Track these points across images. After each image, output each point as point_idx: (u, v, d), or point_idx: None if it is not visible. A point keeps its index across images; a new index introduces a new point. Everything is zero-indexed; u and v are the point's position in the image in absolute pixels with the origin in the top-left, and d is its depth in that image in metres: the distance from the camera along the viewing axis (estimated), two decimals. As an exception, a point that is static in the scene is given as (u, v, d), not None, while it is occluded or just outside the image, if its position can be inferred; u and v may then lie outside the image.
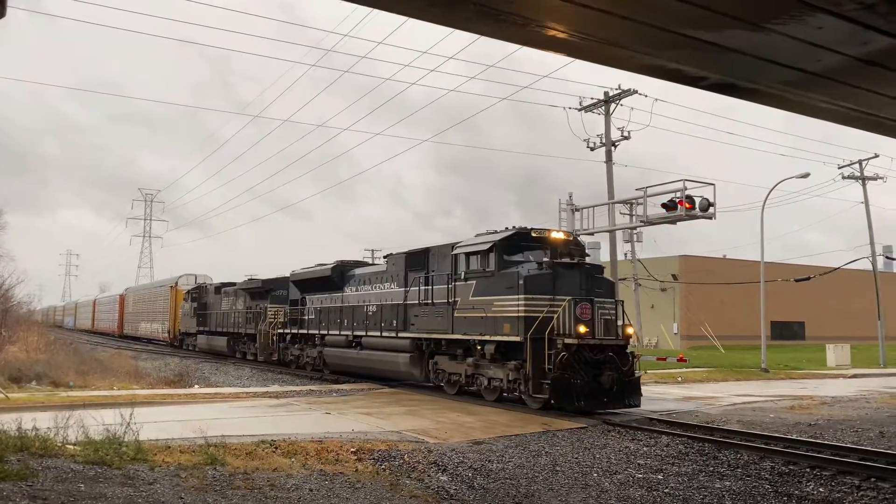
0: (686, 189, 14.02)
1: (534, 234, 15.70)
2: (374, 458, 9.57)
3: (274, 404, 16.03)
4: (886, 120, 11.55)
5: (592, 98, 28.55)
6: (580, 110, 28.58)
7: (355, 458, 9.58)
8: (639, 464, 9.94)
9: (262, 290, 30.38)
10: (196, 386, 21.78)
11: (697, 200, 16.65)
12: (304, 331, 25.38)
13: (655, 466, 9.77)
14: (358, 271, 23.13)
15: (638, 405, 14.34)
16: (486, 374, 15.75)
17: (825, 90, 10.25)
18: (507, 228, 16.23)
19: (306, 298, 25.62)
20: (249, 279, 33.41)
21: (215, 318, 36.28)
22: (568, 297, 14.13)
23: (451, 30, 12.16)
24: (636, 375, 14.53)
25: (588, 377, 13.63)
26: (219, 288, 37.17)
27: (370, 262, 24.74)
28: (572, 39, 8.90)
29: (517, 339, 14.34)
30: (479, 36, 10.64)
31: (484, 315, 15.23)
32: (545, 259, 15.12)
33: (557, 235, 15.90)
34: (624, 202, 21.70)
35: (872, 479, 8.80)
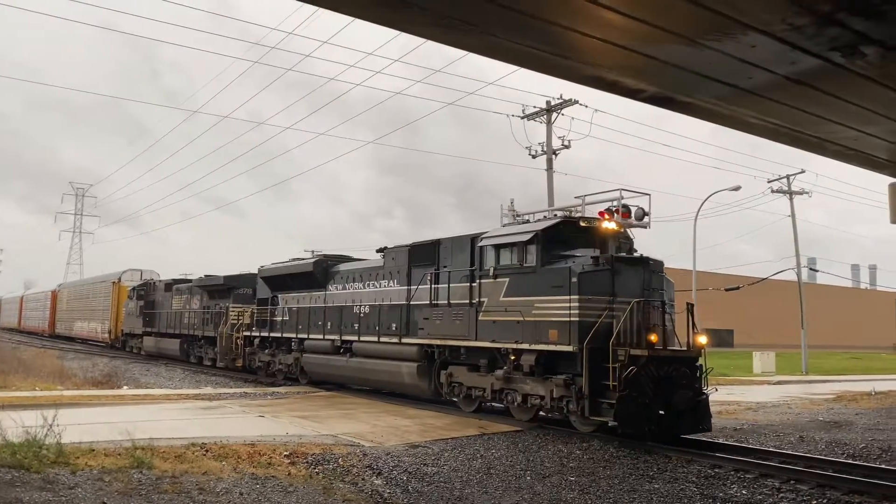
0: (622, 198, 14.31)
1: (582, 224, 13.26)
2: (307, 462, 9.45)
3: (206, 406, 15.66)
4: (811, 137, 12.09)
5: (535, 106, 28.96)
6: (523, 118, 28.95)
7: (289, 461, 9.44)
8: (571, 467, 10.09)
9: (223, 288, 27.46)
10: (125, 387, 21.07)
11: (633, 209, 17.02)
12: (277, 334, 22.23)
13: (588, 469, 9.94)
14: (344, 267, 20.30)
15: (710, 429, 12.39)
16: (522, 390, 13.21)
17: (755, 106, 10.66)
18: (553, 215, 13.89)
19: (278, 297, 22.60)
20: (207, 275, 30.03)
21: (166, 317, 32.88)
22: (631, 299, 11.93)
23: (396, 32, 12.14)
24: (707, 394, 12.35)
25: (658, 397, 11.51)
26: (170, 285, 33.67)
27: (354, 257, 21.67)
28: (516, 47, 9.01)
29: (568, 348, 11.97)
30: (424, 40, 10.68)
31: (521, 319, 12.82)
32: (596, 253, 12.76)
33: (609, 225, 13.13)
34: (563, 209, 22.03)
35: (792, 482, 9.16)
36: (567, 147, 28.47)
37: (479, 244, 14.22)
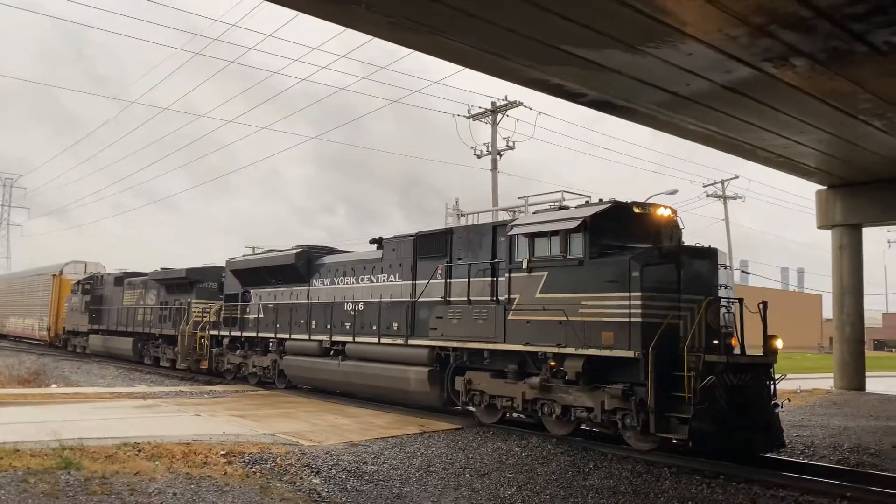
0: (563, 199, 14.55)
1: (636, 210, 11.70)
2: (244, 461, 9.29)
3: (140, 405, 15.24)
4: (745, 144, 12.53)
5: (480, 107, 29.15)
6: (468, 118, 29.10)
7: (225, 461, 9.27)
8: (510, 464, 10.20)
9: (184, 282, 25.20)
10: (53, 385, 20.34)
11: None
12: (250, 333, 20.09)
13: (526, 466, 10.06)
14: (330, 259, 18.35)
15: (784, 446, 11.03)
16: (562, 401, 11.61)
17: (693, 113, 11.01)
18: (599, 200, 12.14)
19: (250, 293, 20.59)
20: (164, 268, 27.91)
21: (116, 314, 30.01)
22: (698, 297, 10.55)
23: (340, 28, 12.06)
24: (780, 406, 10.94)
25: (735, 410, 10.07)
26: (121, 278, 30.83)
27: (338, 249, 19.79)
28: (461, 47, 9.08)
29: (627, 353, 10.38)
30: (369, 37, 10.62)
31: (563, 319, 11.17)
32: (648, 244, 11.37)
33: (664, 213, 11.74)
34: (507, 209, 22.30)
35: (721, 477, 9.48)
36: (511, 148, 28.74)
37: (509, 233, 12.54)
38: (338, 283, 17.38)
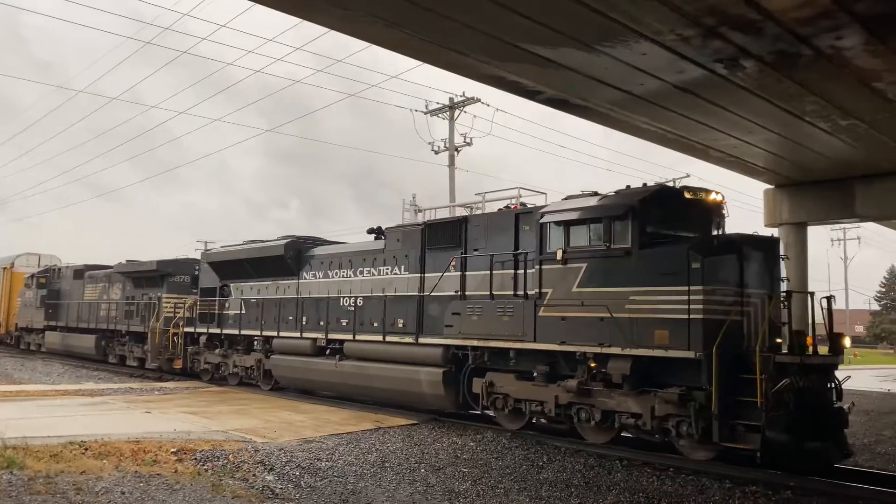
0: (520, 196, 14.68)
1: (687, 196, 10.60)
2: (196, 459, 9.15)
3: (87, 403, 14.86)
4: (696, 143, 12.79)
5: (438, 103, 29.15)
6: (426, 114, 29.09)
7: (175, 458, 9.11)
8: (465, 458, 10.25)
9: (154, 275, 23.64)
10: (-5, 383, 19.68)
11: (529, 207, 17.48)
12: (232, 330, 18.76)
13: (481, 460, 10.12)
14: (322, 251, 17.18)
15: (853, 454, 10.30)
16: (604, 406, 10.64)
17: (646, 112, 11.18)
18: (643, 185, 11.10)
19: (230, 287, 19.34)
20: (130, 261, 26.11)
21: (76, 310, 28.09)
22: (759, 291, 9.85)
23: (295, 20, 11.92)
24: (849, 409, 10.06)
25: (807, 415, 9.21)
26: (81, 271, 28.93)
27: (326, 240, 18.57)
28: (418, 42, 9.06)
29: (687, 354, 9.44)
30: (326, 29, 10.52)
31: (607, 315, 10.18)
32: (694, 232, 10.55)
33: (716, 198, 10.74)
34: (464, 205, 22.37)
35: (671, 469, 9.68)
36: (469, 144, 28.82)
37: (541, 220, 11.46)
38: (332, 277, 16.19)
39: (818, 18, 7.47)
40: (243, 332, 18.33)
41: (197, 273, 21.81)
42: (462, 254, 13.05)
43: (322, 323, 15.87)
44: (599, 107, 11.25)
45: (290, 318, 16.86)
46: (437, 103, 29.06)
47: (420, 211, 24.41)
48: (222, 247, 20.37)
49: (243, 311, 18.55)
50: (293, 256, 17.18)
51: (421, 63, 11.84)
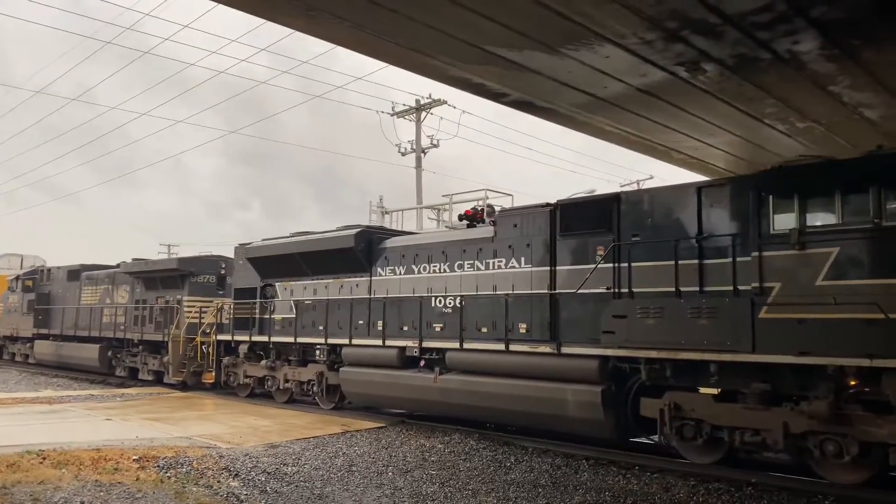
0: (487, 198, 14.74)
1: None
2: (158, 466, 9.00)
3: (46, 410, 14.53)
4: (659, 145, 12.95)
5: (404, 104, 29.15)
6: (392, 115, 29.06)
7: (138, 466, 8.95)
8: (433, 460, 10.24)
9: (172, 275, 20.80)
10: (-51, 392, 19.07)
11: (497, 209, 17.58)
12: (284, 338, 16.11)
13: (449, 462, 10.12)
14: (398, 241, 14.69)
15: None
16: (868, 437, 8.22)
17: (610, 114, 11.27)
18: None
19: (276, 287, 16.79)
20: (139, 259, 23.34)
21: (73, 315, 24.93)
22: None
23: (259, 21, 11.81)
24: None
25: None
26: (77, 272, 25.72)
27: (390, 229, 16.35)
28: (384, 44, 9.02)
29: None
30: (290, 30, 10.42)
31: (878, 316, 7.74)
32: None
33: None
34: (432, 207, 22.45)
35: (636, 468, 9.79)
36: (436, 146, 28.86)
37: (762, 191, 9.07)
38: (419, 272, 13.68)
39: (776, 23, 7.61)
40: (300, 339, 15.68)
41: (223, 272, 20.13)
42: (614, 240, 10.63)
43: (406, 328, 13.55)
44: (564, 109, 11.30)
45: (360, 322, 14.45)
46: (404, 105, 29.07)
47: (387, 213, 24.43)
48: (263, 240, 17.49)
49: (293, 315, 16.03)
50: (364, 249, 14.65)
51: (386, 65, 11.83)
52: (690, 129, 11.93)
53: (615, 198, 10.95)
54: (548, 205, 11.88)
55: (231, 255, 19.42)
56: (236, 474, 8.88)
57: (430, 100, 28.49)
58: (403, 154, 29.01)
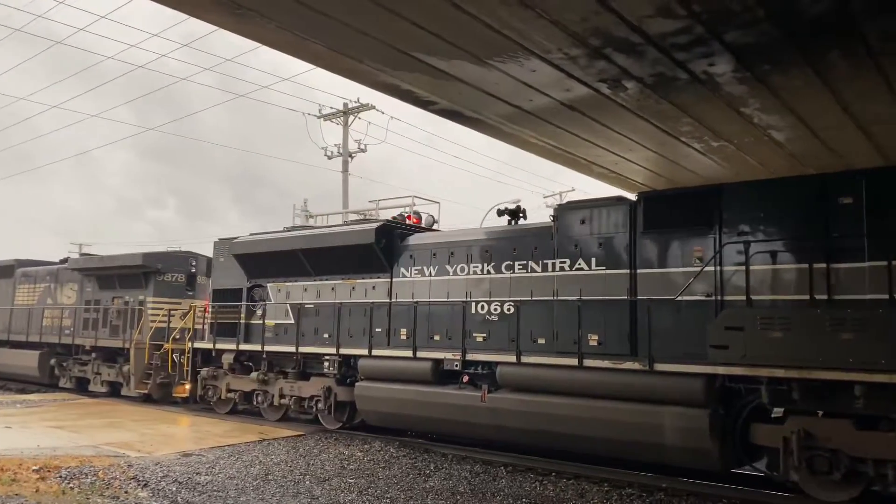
0: (414, 205, 14.74)
1: None
2: (61, 476, 8.57)
3: (-63, 418, 13.62)
4: (581, 159, 13.25)
5: (332, 108, 28.94)
6: (319, 118, 28.78)
7: (38, 476, 8.50)
8: (352, 469, 10.13)
9: (133, 273, 18.28)
10: None
11: (424, 216, 17.62)
12: (282, 347, 14.11)
13: (368, 470, 10.03)
14: (425, 238, 13.04)
15: None
16: None
17: (534, 127, 11.47)
18: None
19: (267, 288, 14.92)
20: (87, 255, 20.97)
21: (5, 317, 22.31)
22: None
23: (182, 16, 11.47)
24: None
25: None
26: (10, 268, 22.62)
27: (408, 224, 14.33)
28: (313, 46, 8.91)
29: None
30: (213, 27, 10.15)
31: None
32: None
33: None
34: (358, 212, 22.29)
35: (553, 474, 9.96)
36: (363, 150, 28.73)
37: None
38: (455, 273, 12.03)
39: (693, 45, 7.92)
40: (302, 349, 13.74)
41: (193, 271, 18.27)
42: (716, 237, 9.33)
43: (438, 338, 11.92)
44: (491, 120, 11.42)
45: (378, 329, 12.73)
46: (332, 108, 28.85)
47: (311, 216, 24.09)
48: (252, 234, 15.68)
49: (289, 321, 14.17)
50: (385, 246, 12.88)
51: (313, 66, 11.67)
52: (611, 144, 12.25)
53: (716, 189, 9.68)
54: (622, 199, 10.66)
55: (148, 255, 18.20)
56: (145, 484, 8.55)
57: (357, 104, 28.37)
58: (330, 157, 28.76)
